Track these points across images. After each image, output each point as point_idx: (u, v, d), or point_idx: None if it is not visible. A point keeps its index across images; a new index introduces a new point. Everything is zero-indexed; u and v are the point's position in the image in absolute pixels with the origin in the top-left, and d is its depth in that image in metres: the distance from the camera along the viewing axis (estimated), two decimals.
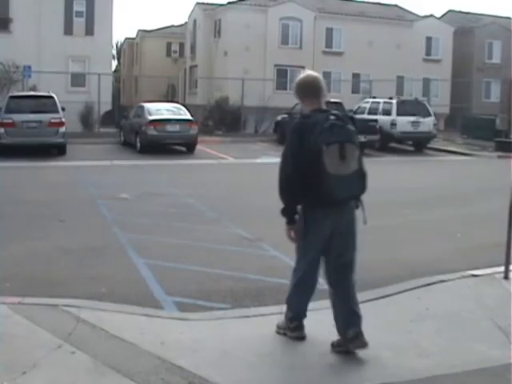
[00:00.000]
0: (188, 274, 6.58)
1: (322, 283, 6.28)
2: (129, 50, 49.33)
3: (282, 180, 4.20)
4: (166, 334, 4.71)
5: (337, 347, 4.44)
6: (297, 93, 4.33)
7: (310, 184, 4.08)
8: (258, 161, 18.95)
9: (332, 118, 4.09)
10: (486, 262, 6.83)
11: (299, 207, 4.28)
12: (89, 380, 3.94)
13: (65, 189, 12.55)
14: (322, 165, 3.97)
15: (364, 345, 4.32)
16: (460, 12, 43.98)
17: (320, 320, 5.12)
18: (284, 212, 4.28)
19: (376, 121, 22.19)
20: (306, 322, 4.84)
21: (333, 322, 5.04)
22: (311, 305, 5.45)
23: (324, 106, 4.28)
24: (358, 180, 4.18)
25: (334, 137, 3.99)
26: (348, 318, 4.37)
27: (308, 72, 4.34)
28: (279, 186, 4.23)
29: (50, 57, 28.05)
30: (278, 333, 4.75)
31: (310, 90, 4.26)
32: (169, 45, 45.29)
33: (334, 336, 4.78)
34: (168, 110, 21.32)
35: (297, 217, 4.29)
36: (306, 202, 4.23)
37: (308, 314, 5.07)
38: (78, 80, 29.70)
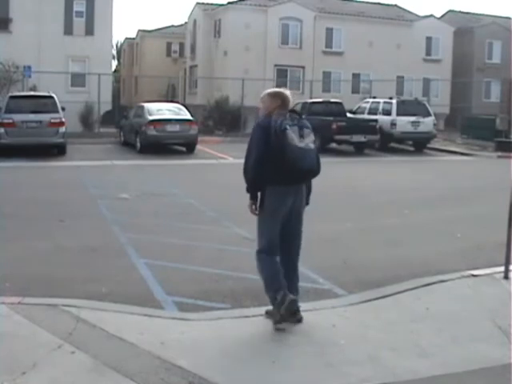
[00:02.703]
0: (188, 274, 6.58)
1: (323, 283, 6.30)
2: (129, 50, 49.30)
3: (250, 162, 4.90)
4: (166, 334, 4.71)
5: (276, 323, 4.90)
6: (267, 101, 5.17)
7: (276, 159, 4.78)
8: None
9: (293, 115, 5.00)
10: (485, 262, 6.84)
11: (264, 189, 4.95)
12: (89, 380, 3.94)
13: (65, 189, 12.55)
14: (286, 139, 4.75)
15: (300, 319, 4.92)
16: (460, 12, 43.98)
17: (320, 320, 5.13)
18: (250, 187, 4.96)
19: (376, 121, 22.17)
20: (305, 321, 4.86)
21: (333, 323, 5.05)
22: (311, 305, 5.47)
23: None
24: (315, 158, 4.95)
25: (294, 122, 4.89)
26: (277, 287, 4.92)
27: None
28: (245, 168, 4.94)
29: (49, 57, 28.04)
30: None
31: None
32: (169, 45, 45.26)
33: (335, 336, 4.78)
34: (168, 109, 21.31)
35: (259, 194, 4.97)
36: (269, 182, 4.87)
37: (307, 314, 5.11)
38: (78, 80, 29.68)
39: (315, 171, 5.02)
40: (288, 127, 4.80)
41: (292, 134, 4.79)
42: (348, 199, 11.85)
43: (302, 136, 4.84)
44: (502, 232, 6.44)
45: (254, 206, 5.00)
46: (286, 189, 4.92)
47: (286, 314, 4.83)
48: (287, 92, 5.16)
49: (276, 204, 4.91)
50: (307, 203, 5.23)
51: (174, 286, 6.07)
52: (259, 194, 4.97)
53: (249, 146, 4.99)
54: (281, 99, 5.06)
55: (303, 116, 5.14)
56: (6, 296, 5.43)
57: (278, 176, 4.83)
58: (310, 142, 4.90)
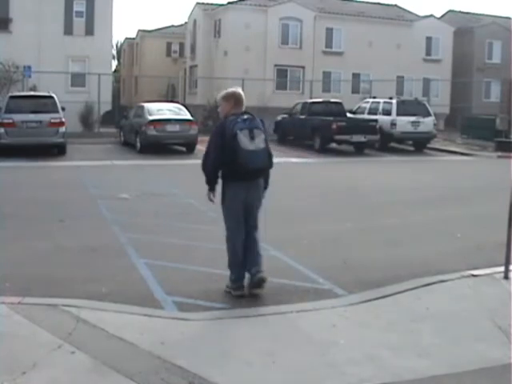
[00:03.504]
0: (188, 273, 6.58)
1: (323, 283, 6.30)
2: (129, 50, 49.31)
3: (208, 160, 5.68)
4: (166, 334, 4.72)
5: (250, 289, 5.76)
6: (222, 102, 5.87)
7: (230, 160, 5.47)
8: None
9: (245, 116, 5.60)
10: (485, 262, 6.83)
11: (222, 184, 5.76)
12: (89, 380, 3.94)
13: (65, 189, 12.55)
14: (238, 143, 5.41)
15: (265, 279, 5.74)
16: (460, 12, 43.98)
17: (320, 320, 5.13)
18: (208, 182, 5.77)
19: (376, 121, 22.18)
20: (305, 321, 4.85)
21: (333, 323, 5.07)
22: (311, 305, 5.48)
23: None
24: (266, 156, 5.62)
25: (245, 125, 5.51)
26: (255, 259, 5.81)
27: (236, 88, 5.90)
28: (204, 165, 5.72)
29: (49, 57, 28.04)
30: (225, 291, 5.88)
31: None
32: (169, 45, 45.27)
33: (335, 336, 4.79)
34: (168, 109, 21.31)
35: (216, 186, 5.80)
36: (227, 179, 5.64)
37: (307, 314, 5.12)
38: (78, 80, 29.68)
39: (266, 168, 5.76)
40: (238, 132, 5.45)
41: (243, 138, 5.45)
42: (348, 199, 11.85)
43: (252, 138, 5.49)
44: (502, 232, 6.44)
45: (211, 195, 5.84)
46: (240, 184, 5.65)
47: (235, 295, 5.81)
48: (239, 91, 5.81)
49: (232, 196, 5.70)
50: (266, 187, 5.92)
51: (174, 286, 6.07)
52: (219, 186, 5.79)
53: (207, 146, 5.74)
54: (234, 100, 5.72)
55: (254, 116, 5.68)
56: (6, 296, 5.43)
57: (233, 174, 5.59)
58: (260, 142, 5.54)
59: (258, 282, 5.74)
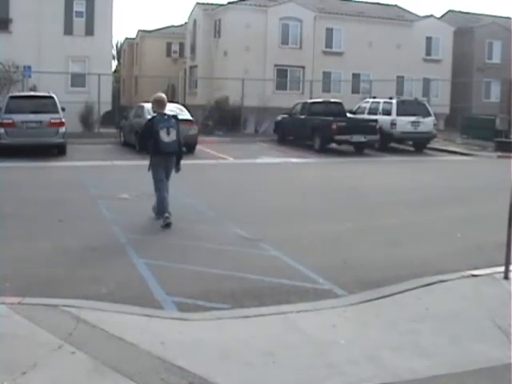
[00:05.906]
0: (188, 274, 6.58)
1: (323, 283, 6.30)
2: (129, 50, 49.32)
3: (139, 142, 10.80)
4: (166, 334, 4.72)
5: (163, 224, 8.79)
6: (152, 103, 9.26)
7: (155, 146, 8.77)
8: (258, 161, 18.94)
9: (165, 117, 8.89)
10: (485, 262, 6.83)
11: (150, 158, 9.06)
12: (89, 380, 3.94)
13: (65, 189, 12.55)
14: (159, 137, 8.71)
15: (170, 224, 8.71)
16: (460, 12, 43.99)
17: (320, 320, 5.13)
18: (139, 149, 9.39)
19: (376, 121, 22.17)
20: (305, 321, 4.86)
21: (333, 323, 5.08)
22: (311, 305, 5.49)
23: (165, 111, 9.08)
24: (177, 144, 8.90)
25: (165, 124, 8.78)
26: (163, 209, 8.87)
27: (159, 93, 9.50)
28: (138, 145, 10.72)
29: (49, 57, 28.05)
30: (153, 212, 9.18)
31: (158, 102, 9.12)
32: (169, 45, 45.27)
33: (335, 336, 4.80)
34: (168, 110, 21.24)
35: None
36: (152, 153, 8.91)
37: (308, 314, 5.16)
38: (77, 80, 29.68)
39: (176, 151, 8.93)
40: (160, 129, 8.69)
41: (162, 134, 8.70)
42: (348, 199, 11.85)
43: (168, 133, 8.74)
44: (502, 232, 6.44)
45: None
46: (160, 158, 8.90)
47: (164, 225, 8.69)
48: (159, 95, 9.14)
49: (156, 165, 8.93)
50: (178, 169, 9.20)
51: (174, 286, 6.08)
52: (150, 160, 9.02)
53: (140, 131, 9.89)
54: (155, 103, 9.06)
55: (174, 117, 9.07)
56: (5, 296, 5.43)
57: (157, 153, 8.83)
58: (173, 135, 8.78)
59: (167, 225, 8.62)
